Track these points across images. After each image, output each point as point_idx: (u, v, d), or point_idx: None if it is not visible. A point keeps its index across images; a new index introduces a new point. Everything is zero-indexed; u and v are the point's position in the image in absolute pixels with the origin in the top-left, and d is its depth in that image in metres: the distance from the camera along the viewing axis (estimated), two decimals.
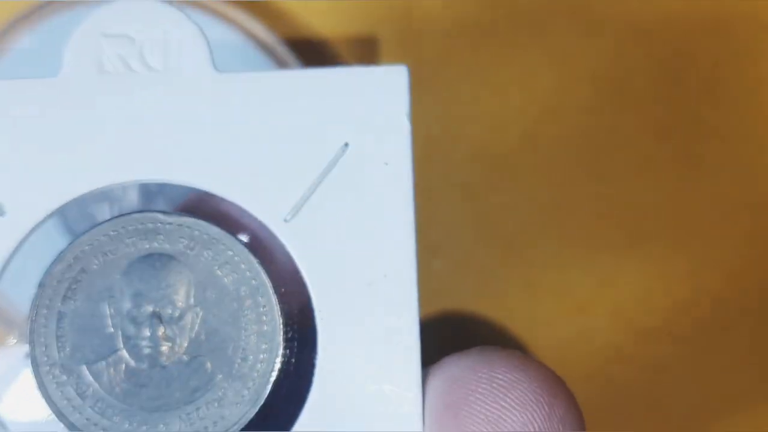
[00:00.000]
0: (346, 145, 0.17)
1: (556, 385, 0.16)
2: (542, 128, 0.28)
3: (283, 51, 0.27)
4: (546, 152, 0.28)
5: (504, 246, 0.28)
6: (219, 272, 0.17)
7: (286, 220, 0.17)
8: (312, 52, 0.28)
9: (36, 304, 0.17)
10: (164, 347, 0.17)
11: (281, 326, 0.17)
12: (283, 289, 0.17)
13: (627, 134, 0.29)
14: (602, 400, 0.28)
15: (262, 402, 0.17)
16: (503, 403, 0.16)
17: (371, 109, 0.17)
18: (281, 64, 0.27)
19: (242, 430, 0.17)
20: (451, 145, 0.28)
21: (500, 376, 0.16)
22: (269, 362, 0.17)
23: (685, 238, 0.29)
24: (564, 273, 0.28)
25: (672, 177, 0.29)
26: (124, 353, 0.17)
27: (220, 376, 0.17)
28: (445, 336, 0.28)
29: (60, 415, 0.17)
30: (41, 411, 0.17)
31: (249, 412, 0.17)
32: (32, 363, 0.17)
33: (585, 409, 0.16)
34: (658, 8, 0.29)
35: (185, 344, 0.17)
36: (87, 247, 0.17)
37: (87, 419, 0.17)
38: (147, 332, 0.17)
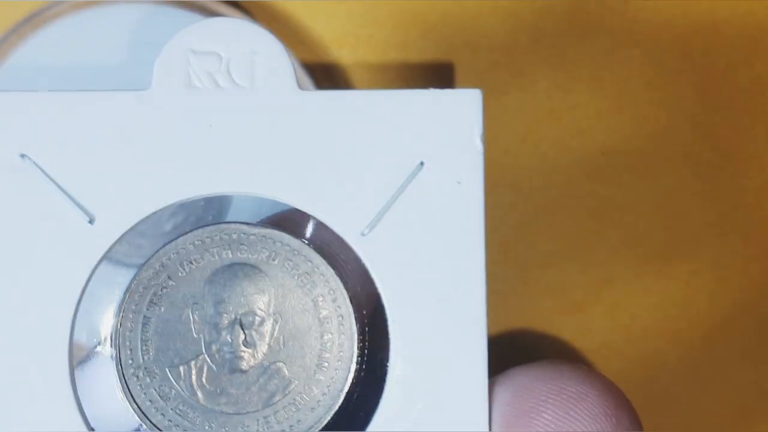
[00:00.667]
0: (422, 164, 0.18)
1: (622, 399, 0.17)
2: (542, 128, 0.29)
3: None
4: (546, 152, 0.29)
5: (502, 245, 0.28)
6: (298, 282, 0.18)
7: (363, 234, 0.18)
8: (310, 53, 0.28)
9: (122, 309, 0.18)
10: (245, 353, 0.18)
11: (356, 335, 0.18)
12: (358, 300, 0.18)
13: (625, 135, 0.29)
14: None
15: (336, 407, 0.18)
16: (573, 414, 0.17)
17: (446, 130, 0.18)
18: None
19: None
20: None
21: (570, 388, 0.17)
22: (344, 369, 0.18)
23: (683, 237, 0.29)
24: (562, 272, 0.29)
25: (670, 177, 0.29)
26: (206, 358, 0.18)
27: (297, 382, 0.18)
28: None
29: (142, 416, 0.18)
30: (126, 413, 0.18)
31: (324, 416, 0.18)
32: (117, 365, 0.18)
33: None
34: (656, 10, 0.29)
35: (265, 351, 0.18)
36: (173, 255, 0.18)
37: (169, 420, 0.18)
38: (228, 338, 0.18)
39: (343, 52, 0.27)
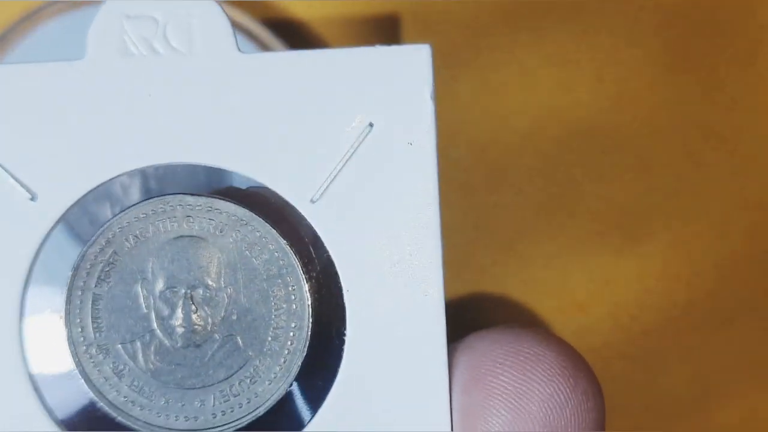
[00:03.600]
0: (371, 125, 0.17)
1: (579, 360, 0.17)
2: (542, 128, 0.28)
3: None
4: (545, 152, 0.29)
5: (503, 245, 0.28)
6: (248, 253, 0.18)
7: (312, 201, 0.17)
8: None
9: (70, 287, 0.17)
10: (197, 326, 0.18)
11: (309, 305, 0.18)
12: (309, 267, 0.18)
13: (627, 134, 0.29)
14: None
15: (293, 379, 0.18)
16: (531, 375, 0.16)
17: (395, 88, 0.17)
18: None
19: (275, 405, 0.18)
20: (451, 145, 0.28)
21: (526, 350, 0.17)
22: (299, 340, 0.18)
23: (683, 237, 0.29)
24: (563, 272, 0.29)
25: (671, 177, 0.29)
26: (159, 333, 0.18)
27: (252, 354, 0.18)
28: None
29: (98, 393, 0.17)
30: (81, 390, 0.17)
31: (281, 388, 0.18)
32: (69, 343, 0.17)
33: None
34: (658, 9, 0.29)
35: (217, 323, 0.18)
36: (118, 230, 0.18)
37: (125, 397, 0.17)
38: (180, 312, 0.17)
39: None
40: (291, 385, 0.18)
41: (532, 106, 0.28)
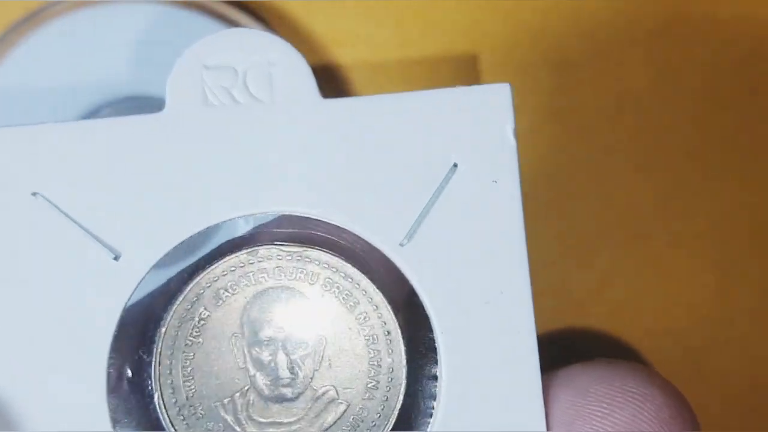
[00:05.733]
0: (455, 165, 0.17)
1: (683, 400, 0.17)
2: (542, 128, 0.28)
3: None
4: (545, 152, 0.29)
5: None
6: (340, 301, 0.17)
7: (401, 245, 0.17)
8: (311, 53, 0.27)
9: (159, 346, 0.17)
10: (291, 380, 0.17)
11: (404, 351, 0.17)
12: (401, 311, 0.18)
13: (627, 134, 0.29)
14: None
15: (391, 425, 0.17)
16: (641, 417, 0.16)
17: (477, 128, 0.18)
18: None
19: None
20: None
21: (633, 389, 0.17)
22: (395, 385, 0.17)
23: (684, 237, 0.29)
24: (563, 272, 0.29)
25: (672, 177, 0.29)
26: (254, 388, 0.17)
27: (349, 404, 0.17)
28: None
29: None
30: None
31: None
32: (159, 407, 0.17)
33: None
34: (657, 8, 0.29)
35: (312, 376, 0.17)
36: (206, 285, 0.17)
37: None
38: (273, 366, 0.17)
39: (343, 52, 0.27)
40: (390, 430, 0.17)
41: (532, 106, 0.29)
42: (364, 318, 0.17)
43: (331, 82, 0.26)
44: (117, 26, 0.28)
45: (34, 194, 0.17)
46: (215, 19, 0.28)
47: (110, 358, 0.17)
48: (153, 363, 0.17)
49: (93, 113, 0.27)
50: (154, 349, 0.17)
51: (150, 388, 0.17)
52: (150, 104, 0.26)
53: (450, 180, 0.17)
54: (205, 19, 0.28)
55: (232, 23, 0.27)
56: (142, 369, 0.17)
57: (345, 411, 0.17)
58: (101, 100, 0.27)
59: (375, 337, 0.17)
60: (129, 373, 0.17)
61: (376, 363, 0.17)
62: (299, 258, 0.17)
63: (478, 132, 0.18)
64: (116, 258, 0.17)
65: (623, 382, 0.17)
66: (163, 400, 0.17)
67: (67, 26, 0.28)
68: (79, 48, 0.28)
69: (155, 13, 0.28)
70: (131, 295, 0.17)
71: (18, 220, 0.17)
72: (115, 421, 0.17)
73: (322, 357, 0.17)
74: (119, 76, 0.28)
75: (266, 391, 0.17)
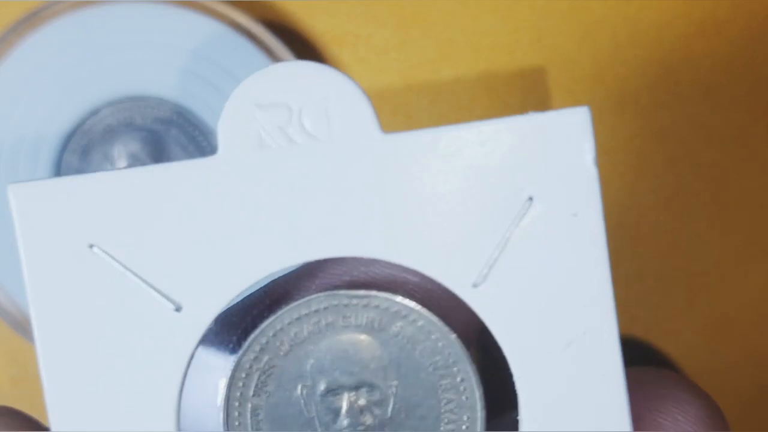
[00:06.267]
0: (531, 198, 0.16)
1: (718, 407, 0.17)
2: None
3: (279, 46, 0.27)
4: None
5: None
6: (411, 346, 0.17)
7: (475, 286, 0.16)
8: (310, 53, 0.27)
9: (227, 398, 0.16)
10: (364, 429, 0.17)
11: (480, 395, 0.17)
12: (476, 355, 0.17)
13: (627, 135, 0.29)
14: None
15: None
16: (684, 423, 0.16)
17: (553, 157, 0.16)
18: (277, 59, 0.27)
19: None
20: None
21: (674, 396, 0.16)
22: (472, 430, 0.17)
23: (684, 238, 0.29)
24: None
25: (672, 177, 0.29)
26: None
27: None
28: None
29: None
30: None
31: None
32: None
33: None
34: (657, 9, 0.28)
35: (386, 423, 0.17)
36: (272, 335, 0.17)
37: None
38: (345, 415, 0.16)
39: (343, 52, 0.27)
40: None
41: (533, 108, 0.29)
42: (437, 362, 0.17)
43: None
44: (117, 26, 0.28)
45: (90, 246, 0.16)
46: (215, 19, 0.28)
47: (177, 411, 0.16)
48: (222, 417, 0.17)
49: (93, 113, 0.28)
50: (223, 400, 0.17)
51: None
52: (150, 104, 0.28)
53: (525, 215, 0.16)
54: (205, 19, 0.28)
55: (232, 23, 0.27)
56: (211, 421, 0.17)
57: None
58: (101, 100, 0.28)
59: (450, 383, 0.17)
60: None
61: (450, 410, 0.17)
62: (366, 303, 0.16)
63: (554, 161, 0.16)
64: (177, 309, 0.16)
65: (663, 389, 0.16)
66: None
67: (67, 26, 0.28)
68: (79, 48, 0.28)
69: (155, 13, 0.28)
70: (195, 348, 0.16)
71: (75, 274, 0.16)
72: None
73: (395, 404, 0.17)
74: (119, 76, 0.28)
75: None
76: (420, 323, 0.17)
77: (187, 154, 0.29)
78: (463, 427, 0.17)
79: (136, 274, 0.16)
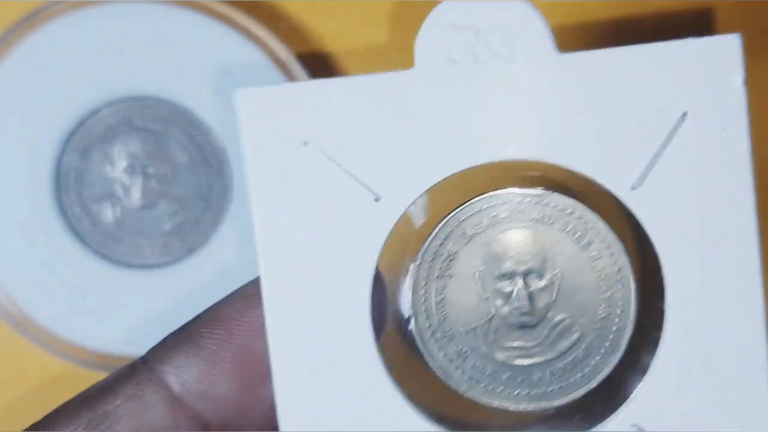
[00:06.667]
0: (684, 114, 0.19)
1: None
2: None
3: (291, 61, 0.27)
4: None
5: None
6: (574, 240, 0.19)
7: (633, 188, 0.19)
8: (310, 52, 0.28)
9: (416, 279, 0.19)
10: (531, 310, 0.19)
11: (634, 286, 0.19)
12: (632, 250, 0.19)
13: None
14: None
15: (621, 354, 0.19)
16: None
17: (707, 78, 0.19)
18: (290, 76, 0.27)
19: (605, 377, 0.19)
20: None
21: None
22: (625, 320, 0.19)
23: None
24: None
25: None
26: (496, 317, 0.19)
27: (583, 334, 0.19)
28: None
29: (444, 374, 0.19)
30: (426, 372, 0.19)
31: (611, 362, 0.19)
32: (417, 331, 0.19)
33: None
34: (657, 9, 0.29)
35: (550, 307, 0.19)
36: (455, 225, 0.19)
37: (469, 377, 0.19)
38: (515, 297, 0.19)
39: (343, 52, 0.27)
40: (619, 359, 0.19)
41: None
42: (597, 256, 0.19)
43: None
44: (117, 26, 0.28)
45: (304, 143, 0.19)
46: (216, 18, 0.28)
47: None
48: (410, 295, 0.19)
49: (93, 113, 0.29)
50: (411, 281, 0.19)
51: (407, 314, 0.19)
52: (150, 104, 0.29)
53: (679, 128, 0.19)
54: (205, 19, 0.28)
55: (232, 23, 0.28)
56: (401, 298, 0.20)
57: (578, 338, 0.19)
58: (101, 100, 0.29)
59: (607, 273, 0.19)
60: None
61: (607, 297, 0.19)
62: (537, 201, 0.19)
63: (707, 82, 0.19)
64: (376, 200, 0.19)
65: None
66: (418, 325, 0.19)
67: (67, 26, 0.28)
68: (80, 48, 0.28)
69: (155, 13, 0.28)
70: (389, 235, 0.19)
71: (290, 167, 0.19)
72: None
73: (558, 290, 0.19)
74: (119, 76, 0.28)
75: (508, 320, 0.19)
76: (584, 220, 0.19)
77: (187, 153, 0.29)
78: (618, 310, 0.19)
79: (342, 168, 0.19)
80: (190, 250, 0.29)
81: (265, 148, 0.19)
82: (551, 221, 0.19)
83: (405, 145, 0.19)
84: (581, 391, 0.19)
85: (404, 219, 0.19)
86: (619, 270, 0.19)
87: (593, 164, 0.19)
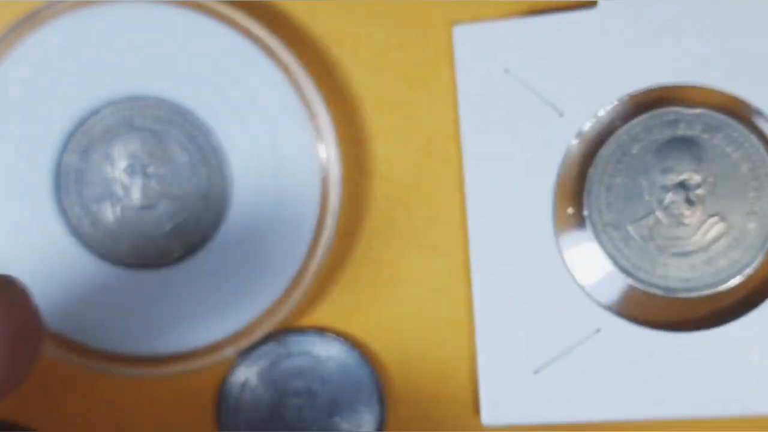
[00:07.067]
0: None
1: None
2: None
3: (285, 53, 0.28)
4: None
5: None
6: (731, 149, 0.24)
7: None
8: (310, 53, 0.28)
9: (589, 182, 0.24)
10: (687, 209, 0.24)
11: None
12: None
13: None
14: None
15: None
16: None
17: None
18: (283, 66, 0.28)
19: None
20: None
21: None
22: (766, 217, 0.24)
23: None
24: None
25: None
26: (656, 215, 0.24)
27: (732, 229, 0.24)
28: None
29: (612, 260, 0.24)
30: (600, 259, 0.23)
31: (757, 255, 0.24)
32: (590, 223, 0.23)
33: None
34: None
35: (703, 206, 0.24)
36: (626, 137, 0.24)
37: (633, 264, 0.24)
38: (674, 198, 0.24)
39: (343, 52, 0.28)
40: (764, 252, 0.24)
41: None
42: (753, 163, 0.24)
43: (331, 81, 0.28)
44: (117, 26, 0.28)
45: (506, 71, 0.23)
46: (215, 19, 0.28)
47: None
48: (585, 193, 0.24)
49: (93, 113, 0.29)
50: (587, 183, 0.24)
51: (584, 211, 0.23)
52: (150, 104, 0.28)
53: None
54: (206, 19, 0.28)
55: (232, 23, 0.28)
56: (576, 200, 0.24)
57: (727, 230, 0.24)
58: (101, 100, 0.29)
59: (759, 178, 0.23)
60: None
61: (755, 196, 0.24)
62: (697, 115, 0.24)
63: None
64: (560, 115, 0.23)
65: None
66: (592, 220, 0.24)
67: (68, 26, 0.28)
68: (80, 48, 0.28)
69: (155, 13, 0.28)
70: (569, 147, 0.23)
71: (493, 90, 0.23)
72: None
73: (713, 192, 0.24)
74: (119, 76, 0.28)
75: (667, 218, 0.24)
76: (736, 133, 0.24)
77: (187, 153, 0.29)
78: (764, 210, 0.23)
79: (534, 90, 0.23)
80: (190, 250, 0.29)
81: (473, 76, 0.23)
82: (708, 133, 0.24)
83: (585, 70, 0.23)
84: (734, 281, 0.24)
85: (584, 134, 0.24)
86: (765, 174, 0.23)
87: (744, 84, 0.24)
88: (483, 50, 0.23)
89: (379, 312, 0.26)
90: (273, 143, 0.27)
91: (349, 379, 0.27)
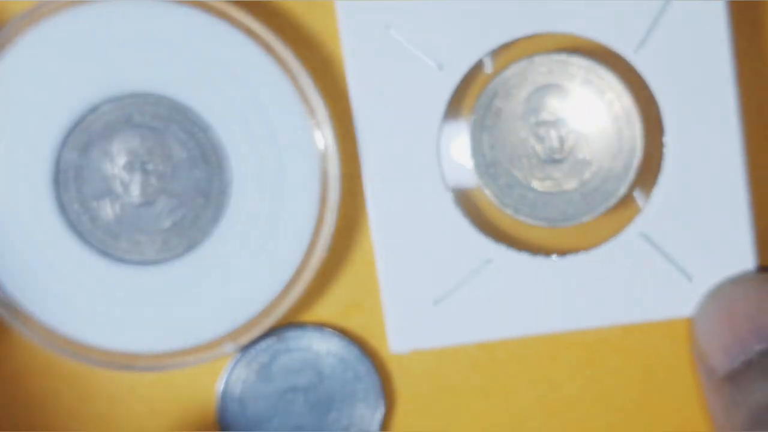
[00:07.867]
0: None
1: None
2: None
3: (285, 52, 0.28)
4: None
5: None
6: (593, 91, 0.25)
7: (635, 52, 0.24)
8: (310, 52, 0.28)
9: (473, 126, 0.25)
10: (559, 148, 0.25)
11: (640, 126, 0.24)
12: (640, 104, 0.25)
13: None
14: None
15: (631, 177, 0.25)
16: None
17: None
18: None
19: None
20: None
21: None
22: (634, 150, 0.25)
23: None
24: None
25: None
26: (533, 153, 0.25)
27: (600, 163, 0.25)
28: None
29: (499, 200, 0.25)
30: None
31: (623, 186, 0.25)
32: (476, 165, 0.25)
33: None
34: None
35: (572, 144, 0.25)
36: (500, 83, 0.25)
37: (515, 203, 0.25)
38: (546, 138, 0.25)
39: (341, 48, 0.28)
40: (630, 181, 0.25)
41: None
42: (610, 103, 0.24)
43: (331, 81, 0.27)
44: (116, 23, 0.28)
45: (387, 27, 0.25)
46: (215, 16, 0.28)
47: None
48: (469, 138, 0.25)
49: (92, 110, 0.28)
50: (470, 129, 0.25)
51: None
52: (149, 101, 0.28)
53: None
54: (205, 16, 0.28)
55: (233, 21, 0.28)
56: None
57: (597, 167, 0.25)
58: (100, 97, 0.28)
59: (618, 117, 0.24)
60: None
61: (619, 135, 0.24)
62: (563, 62, 0.24)
63: None
64: (440, 68, 0.25)
65: None
66: (474, 162, 0.25)
67: (66, 23, 0.28)
68: (78, 45, 0.28)
69: (154, 9, 0.28)
70: (452, 94, 0.24)
71: (376, 47, 0.25)
72: None
73: (581, 132, 0.25)
74: (118, 73, 0.28)
75: (542, 156, 0.25)
76: (603, 79, 0.24)
77: (186, 150, 0.29)
78: (630, 146, 0.24)
79: (410, 45, 0.24)
80: (190, 247, 0.29)
81: (358, 32, 0.25)
82: (574, 78, 0.24)
83: (459, 18, 0.24)
84: (602, 209, 0.25)
85: (463, 85, 0.25)
86: (629, 115, 0.24)
87: (603, 31, 0.24)
88: (363, 8, 0.25)
89: (379, 307, 0.26)
90: (272, 139, 0.27)
91: (349, 375, 0.27)
